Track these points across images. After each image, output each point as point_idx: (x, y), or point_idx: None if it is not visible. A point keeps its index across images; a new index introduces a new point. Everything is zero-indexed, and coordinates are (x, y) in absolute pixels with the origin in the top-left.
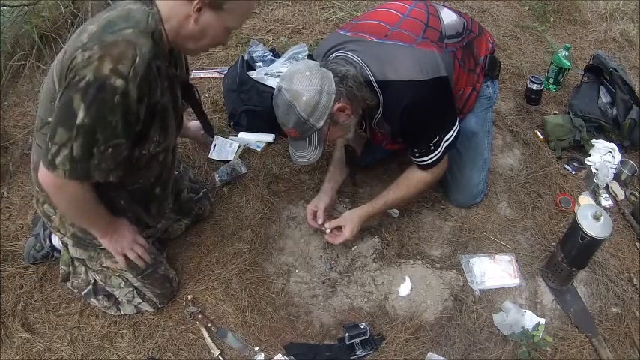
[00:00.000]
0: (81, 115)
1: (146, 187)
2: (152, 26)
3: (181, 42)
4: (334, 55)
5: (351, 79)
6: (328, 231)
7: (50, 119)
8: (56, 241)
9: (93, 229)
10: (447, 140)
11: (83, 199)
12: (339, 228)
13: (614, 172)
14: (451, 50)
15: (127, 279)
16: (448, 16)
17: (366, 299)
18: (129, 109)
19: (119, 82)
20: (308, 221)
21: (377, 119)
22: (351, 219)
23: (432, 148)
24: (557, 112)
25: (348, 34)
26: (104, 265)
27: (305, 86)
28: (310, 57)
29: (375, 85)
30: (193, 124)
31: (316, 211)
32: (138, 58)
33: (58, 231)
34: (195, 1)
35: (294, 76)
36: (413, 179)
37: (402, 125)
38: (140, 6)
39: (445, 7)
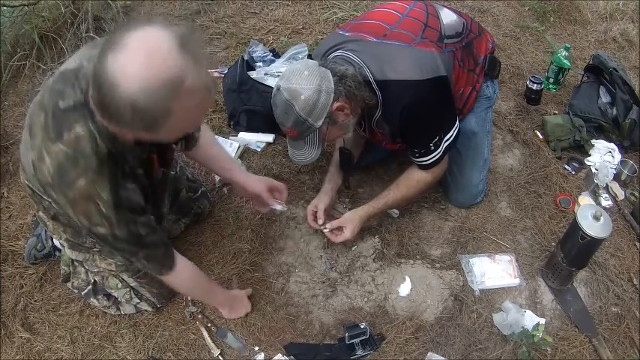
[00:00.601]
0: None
1: None
2: (103, 148)
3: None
4: (333, 54)
5: (349, 78)
6: (327, 230)
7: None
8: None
9: (214, 304)
10: (447, 140)
11: (196, 278)
12: (339, 228)
13: (614, 172)
14: (450, 50)
15: (124, 279)
16: (448, 16)
17: (366, 299)
18: (127, 233)
19: (102, 230)
20: (308, 222)
21: (376, 119)
22: (351, 219)
23: (432, 148)
24: (557, 112)
25: (347, 34)
26: (99, 266)
27: (304, 85)
28: (310, 57)
29: (374, 84)
30: (255, 183)
31: (316, 212)
32: (103, 208)
33: (53, 235)
34: (117, 129)
35: (292, 76)
36: (413, 179)
37: (402, 125)
38: (84, 122)
39: (445, 7)
